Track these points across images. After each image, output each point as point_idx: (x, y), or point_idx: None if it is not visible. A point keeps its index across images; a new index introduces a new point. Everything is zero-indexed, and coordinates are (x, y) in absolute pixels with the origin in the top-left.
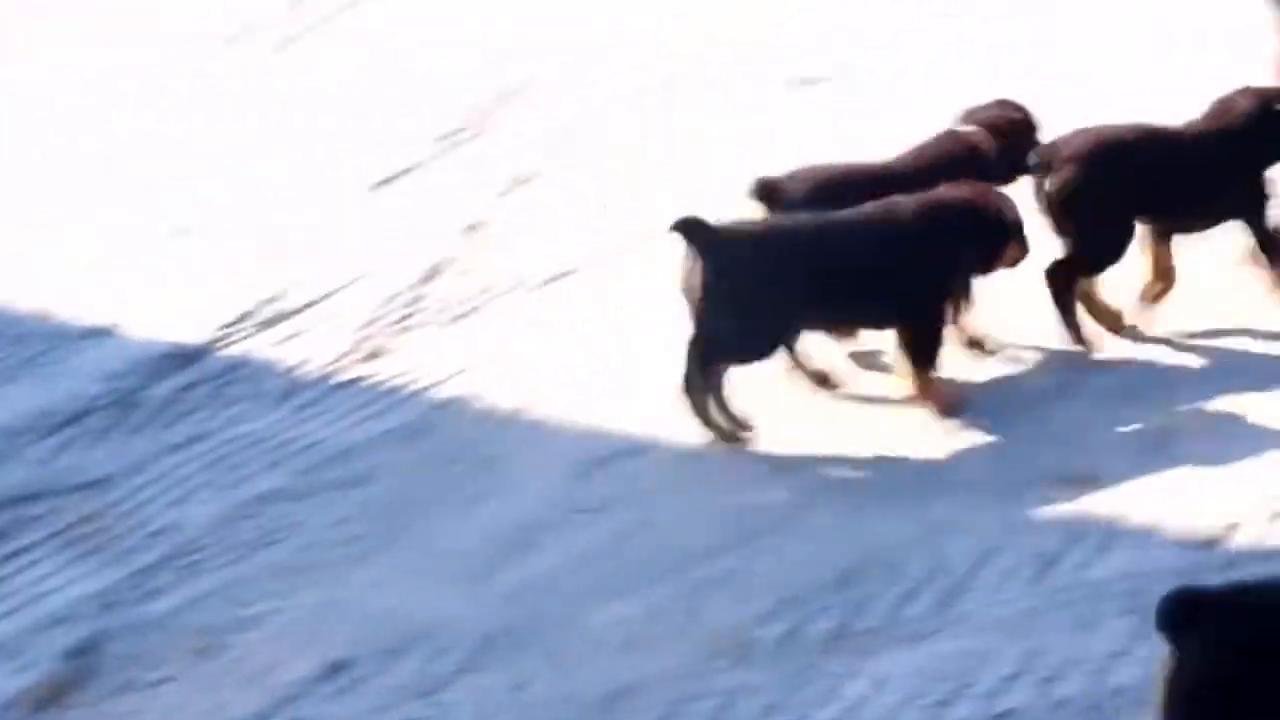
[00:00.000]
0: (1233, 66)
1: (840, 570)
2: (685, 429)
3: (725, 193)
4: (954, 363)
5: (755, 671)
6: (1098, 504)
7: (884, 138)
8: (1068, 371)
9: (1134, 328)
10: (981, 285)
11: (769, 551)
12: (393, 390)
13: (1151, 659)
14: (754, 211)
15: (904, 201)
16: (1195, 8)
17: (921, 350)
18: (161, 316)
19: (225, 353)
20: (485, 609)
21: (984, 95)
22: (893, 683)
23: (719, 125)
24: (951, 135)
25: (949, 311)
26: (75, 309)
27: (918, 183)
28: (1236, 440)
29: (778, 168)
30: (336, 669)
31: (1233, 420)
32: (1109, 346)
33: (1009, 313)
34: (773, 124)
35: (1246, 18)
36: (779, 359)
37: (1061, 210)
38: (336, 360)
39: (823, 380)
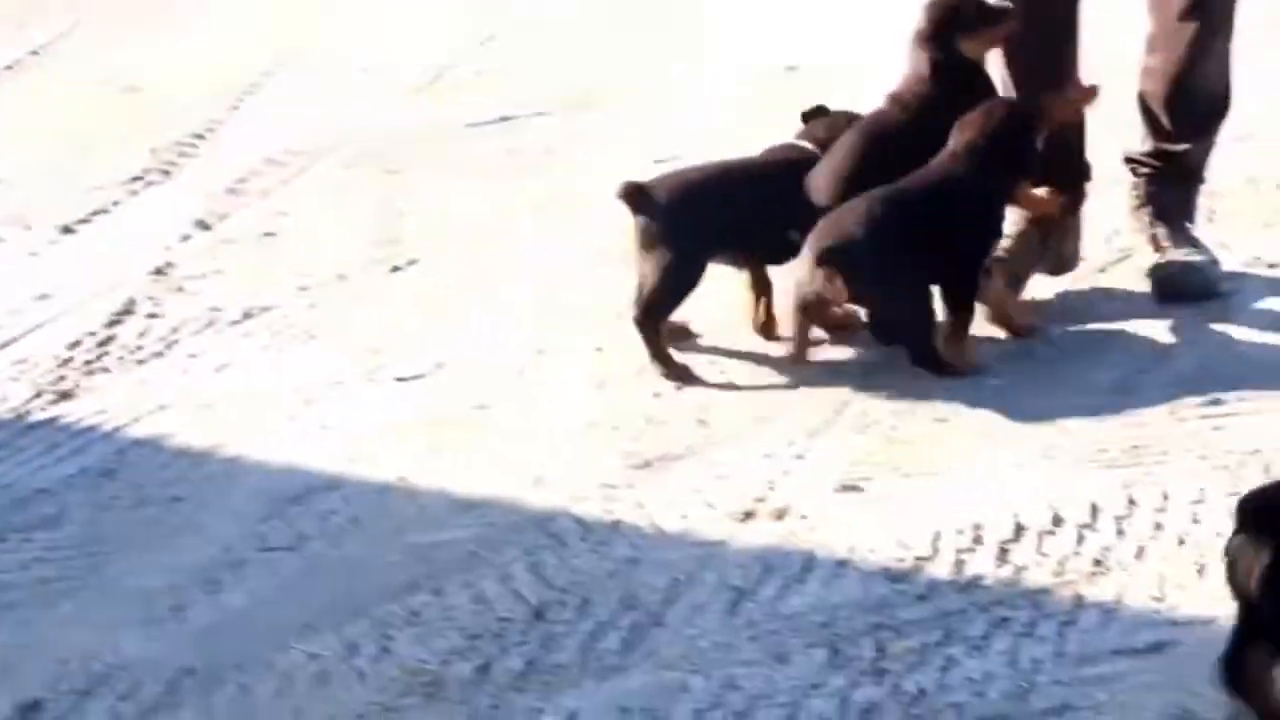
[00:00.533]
0: None
1: (530, 606)
2: (376, 466)
3: None
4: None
5: (446, 708)
6: (790, 537)
7: None
8: (769, 401)
9: None
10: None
11: (460, 588)
12: (83, 431)
13: (841, 692)
14: None
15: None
16: None
17: None
18: None
19: None
20: (176, 648)
21: None
22: (584, 716)
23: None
24: (792, 147)
25: None
26: None
27: None
28: (929, 473)
29: None
30: (29, 710)
31: (925, 451)
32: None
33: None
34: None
35: None
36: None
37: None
38: (27, 402)
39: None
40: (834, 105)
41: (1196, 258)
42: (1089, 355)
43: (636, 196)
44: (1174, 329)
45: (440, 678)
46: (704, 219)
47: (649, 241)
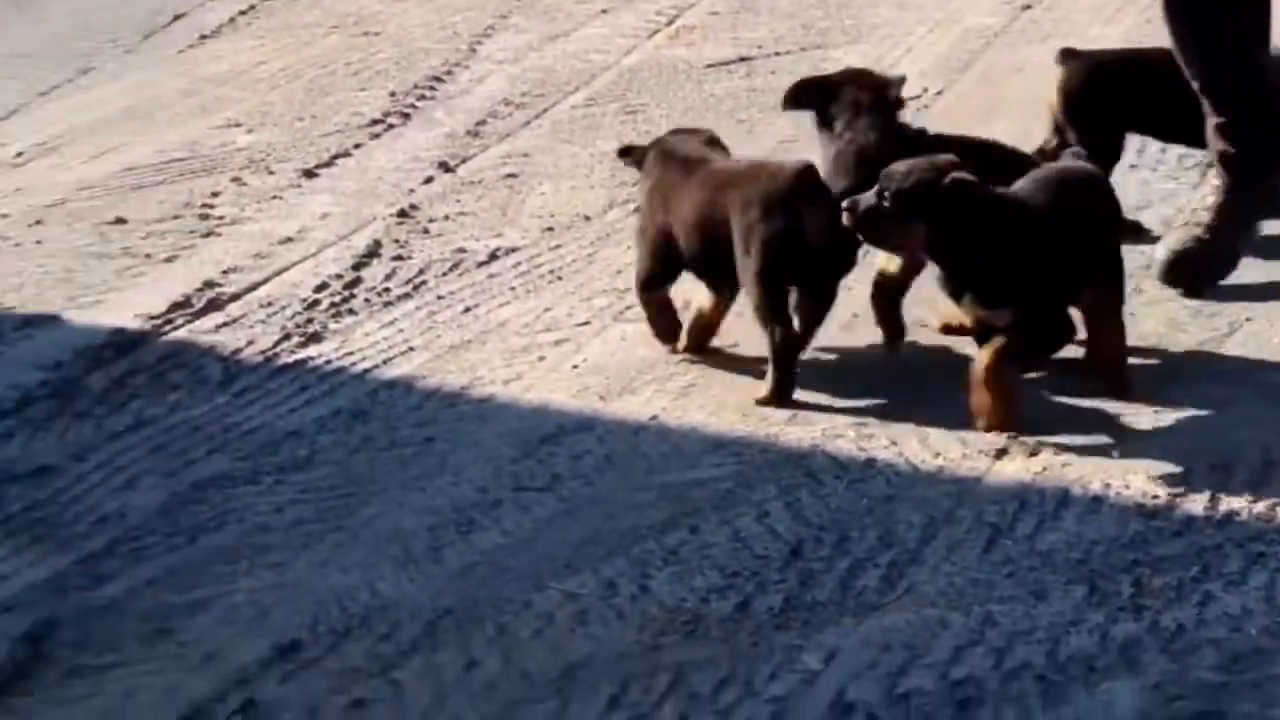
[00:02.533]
0: None
1: (788, 544)
2: (628, 405)
3: None
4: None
5: (706, 646)
6: (1044, 474)
7: None
8: None
9: None
10: None
11: (717, 526)
12: (332, 374)
13: (1100, 627)
14: None
15: None
16: None
17: None
18: (100, 305)
19: (164, 340)
20: (434, 589)
21: None
22: (844, 654)
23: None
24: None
25: None
26: (13, 299)
27: None
28: (1180, 406)
29: None
30: (287, 651)
31: (1175, 387)
32: None
33: None
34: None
35: None
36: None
37: None
38: (275, 345)
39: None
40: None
41: None
42: None
43: None
44: None
45: (700, 616)
46: None
47: None
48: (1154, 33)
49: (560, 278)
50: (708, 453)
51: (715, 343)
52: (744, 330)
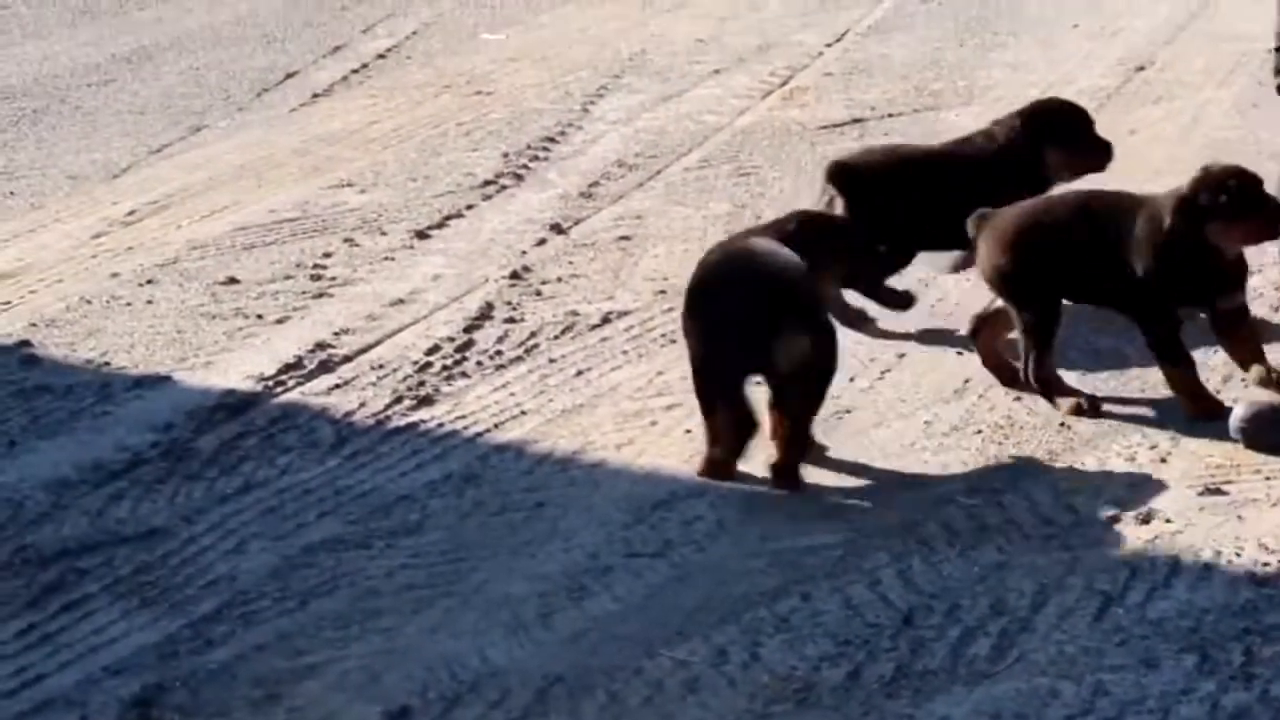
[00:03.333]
0: None
1: (899, 612)
2: (742, 471)
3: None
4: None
5: (818, 714)
6: (1155, 541)
7: None
8: (1127, 404)
9: None
10: None
11: (827, 593)
12: (444, 437)
13: (1211, 697)
14: None
15: None
16: None
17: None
18: (211, 366)
19: (275, 402)
20: (544, 655)
21: None
22: None
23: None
24: None
25: None
26: (124, 360)
27: None
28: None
29: None
30: (398, 717)
31: None
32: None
33: None
34: None
35: None
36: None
37: None
38: (387, 408)
39: None
40: (1179, 106)
41: None
42: None
43: None
44: None
45: (811, 684)
46: None
47: None
48: (1265, 94)
49: (673, 341)
50: (820, 519)
51: None
52: (860, 394)
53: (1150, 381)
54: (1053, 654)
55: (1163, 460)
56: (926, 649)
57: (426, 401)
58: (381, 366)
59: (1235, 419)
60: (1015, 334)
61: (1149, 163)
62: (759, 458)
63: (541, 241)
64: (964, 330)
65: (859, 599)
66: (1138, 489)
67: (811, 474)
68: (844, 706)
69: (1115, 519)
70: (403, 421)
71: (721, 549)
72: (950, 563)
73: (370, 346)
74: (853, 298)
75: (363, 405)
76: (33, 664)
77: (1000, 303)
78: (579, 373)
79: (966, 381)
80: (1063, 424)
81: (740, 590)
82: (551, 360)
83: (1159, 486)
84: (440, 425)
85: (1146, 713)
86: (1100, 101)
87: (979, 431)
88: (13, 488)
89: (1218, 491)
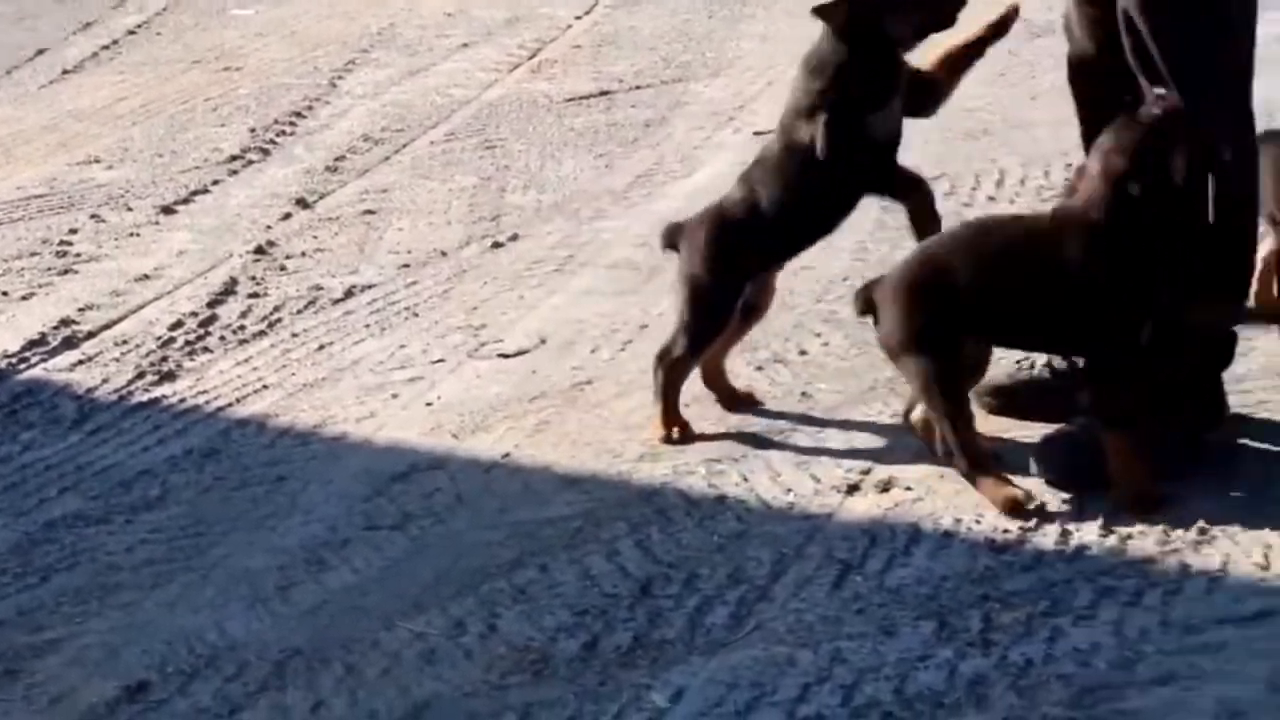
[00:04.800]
0: None
1: (637, 582)
2: (480, 443)
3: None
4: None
5: (553, 685)
6: (895, 510)
7: None
8: (871, 373)
9: None
10: None
11: (565, 564)
12: (185, 412)
13: (949, 663)
14: None
15: None
16: None
17: None
18: None
19: (19, 379)
20: (282, 629)
21: None
22: (691, 693)
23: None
24: None
25: None
26: None
27: None
28: (1033, 442)
29: None
30: (136, 692)
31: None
32: None
33: None
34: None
35: None
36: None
37: None
38: (129, 383)
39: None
40: None
41: None
42: None
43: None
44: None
45: (547, 655)
46: None
47: None
48: (1013, 64)
49: (416, 314)
50: (559, 491)
51: None
52: (601, 365)
53: None
54: (791, 622)
55: (903, 428)
56: (664, 619)
57: (169, 377)
58: (125, 342)
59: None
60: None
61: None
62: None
63: (287, 216)
64: None
65: (597, 569)
66: (879, 457)
67: (551, 445)
68: (580, 677)
69: (856, 487)
70: (145, 397)
71: (460, 521)
72: (689, 532)
73: (114, 322)
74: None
75: (105, 381)
76: None
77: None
78: (321, 347)
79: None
80: (804, 393)
81: (478, 562)
82: (294, 335)
83: (900, 454)
84: (182, 400)
85: (883, 680)
86: None
87: (720, 401)
88: None
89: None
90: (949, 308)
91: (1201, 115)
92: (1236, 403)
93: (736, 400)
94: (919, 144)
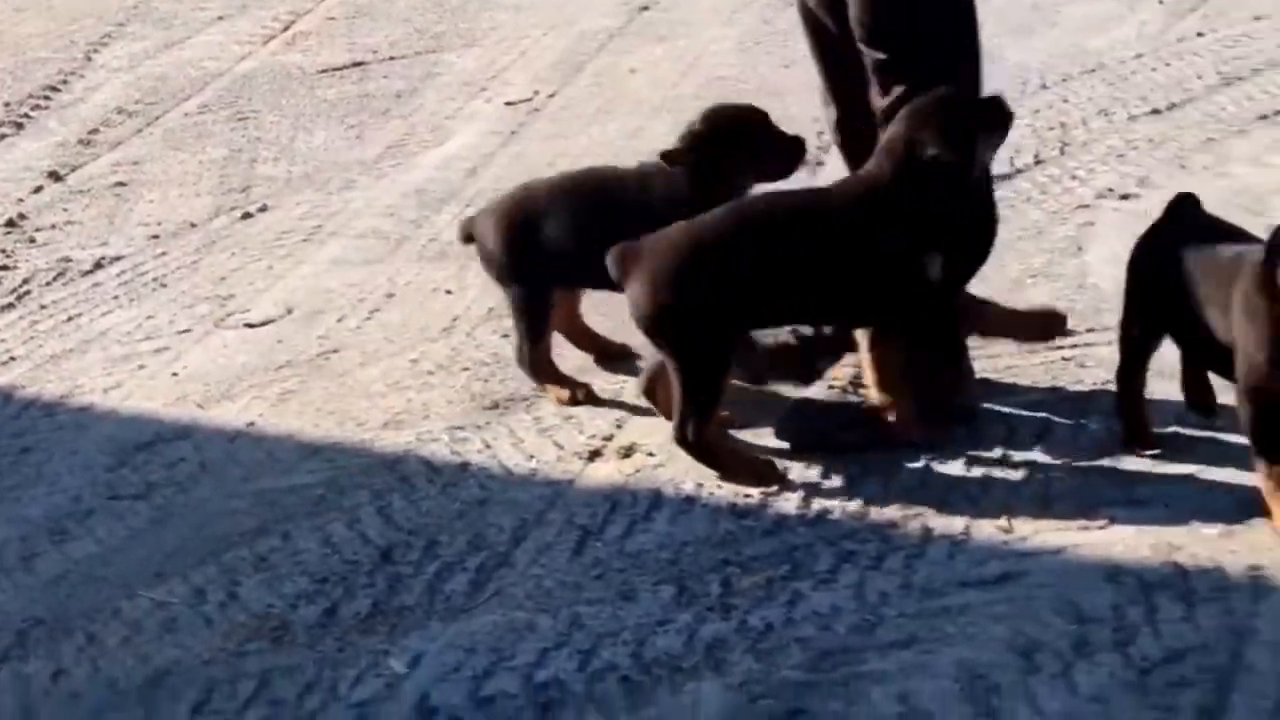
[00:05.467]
0: None
1: (378, 549)
2: (226, 413)
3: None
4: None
5: (292, 652)
6: (637, 476)
7: None
8: (616, 340)
9: None
10: None
11: (308, 533)
12: None
13: (688, 627)
14: None
15: None
16: None
17: None
18: None
19: None
20: (24, 598)
21: None
22: (429, 658)
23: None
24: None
25: None
26: None
27: None
28: (776, 407)
29: None
30: None
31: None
32: None
33: None
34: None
35: None
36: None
37: None
38: None
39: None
40: (682, 45)
41: None
42: None
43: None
44: (1024, 264)
45: (287, 622)
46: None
47: None
48: (768, 32)
49: (164, 285)
50: (303, 459)
51: None
52: (348, 335)
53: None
54: (530, 588)
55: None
56: (404, 585)
57: None
58: None
59: None
60: None
61: (649, 101)
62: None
63: (39, 189)
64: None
65: (338, 537)
66: (621, 423)
67: (295, 414)
68: (319, 644)
69: (598, 453)
70: None
71: (203, 490)
72: (431, 499)
73: None
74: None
75: None
76: None
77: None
78: (70, 318)
79: (455, 320)
80: (624, 345)
81: (221, 530)
82: (42, 306)
83: (642, 420)
84: None
85: (622, 644)
86: (602, 42)
87: (465, 369)
88: None
89: None
90: (722, 289)
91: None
92: (982, 368)
93: (610, 355)
94: (673, 110)
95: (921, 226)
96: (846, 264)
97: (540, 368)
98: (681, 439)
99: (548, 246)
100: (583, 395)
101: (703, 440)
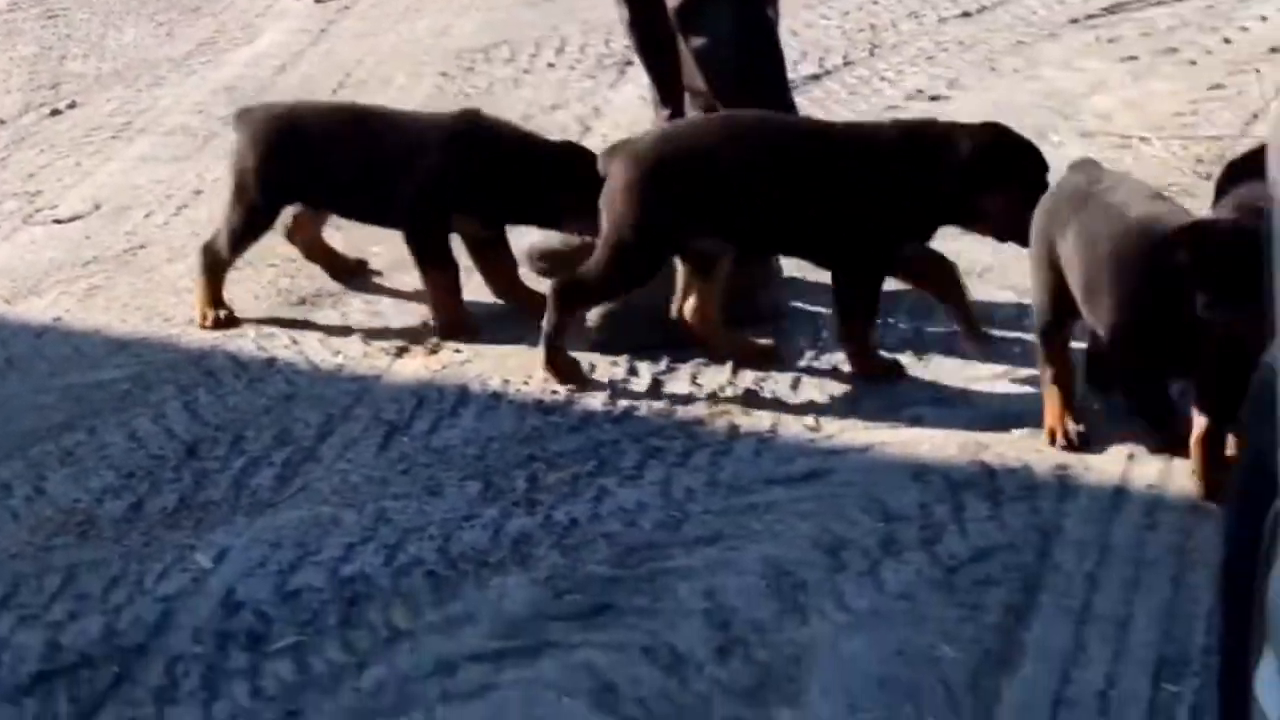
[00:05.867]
0: None
1: (184, 444)
2: (33, 308)
3: None
4: None
5: (98, 547)
6: (444, 372)
7: None
8: None
9: None
10: None
11: (114, 427)
12: None
13: (494, 523)
14: None
15: None
16: None
17: None
18: None
19: None
20: None
21: None
22: (235, 553)
23: None
24: None
25: None
26: None
27: None
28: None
29: None
30: None
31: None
32: None
33: None
34: None
35: None
36: None
37: None
38: None
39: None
40: None
41: None
42: None
43: None
44: None
45: (93, 517)
46: None
47: None
48: None
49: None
50: (109, 354)
51: None
52: (156, 231)
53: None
54: (336, 483)
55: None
56: (210, 480)
57: None
58: None
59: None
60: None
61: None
62: None
63: None
64: None
65: (144, 432)
66: (429, 322)
67: (102, 310)
68: (125, 538)
69: (404, 350)
70: None
71: (10, 385)
72: (237, 394)
73: None
74: None
75: None
76: None
77: None
78: None
79: None
80: (358, 259)
81: (27, 425)
82: None
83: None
84: None
85: (428, 539)
86: None
87: (273, 265)
88: None
89: (513, 324)
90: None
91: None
92: (791, 267)
93: (348, 270)
94: (482, 9)
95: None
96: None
97: (217, 270)
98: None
99: (302, 168)
100: (225, 317)
101: (557, 342)
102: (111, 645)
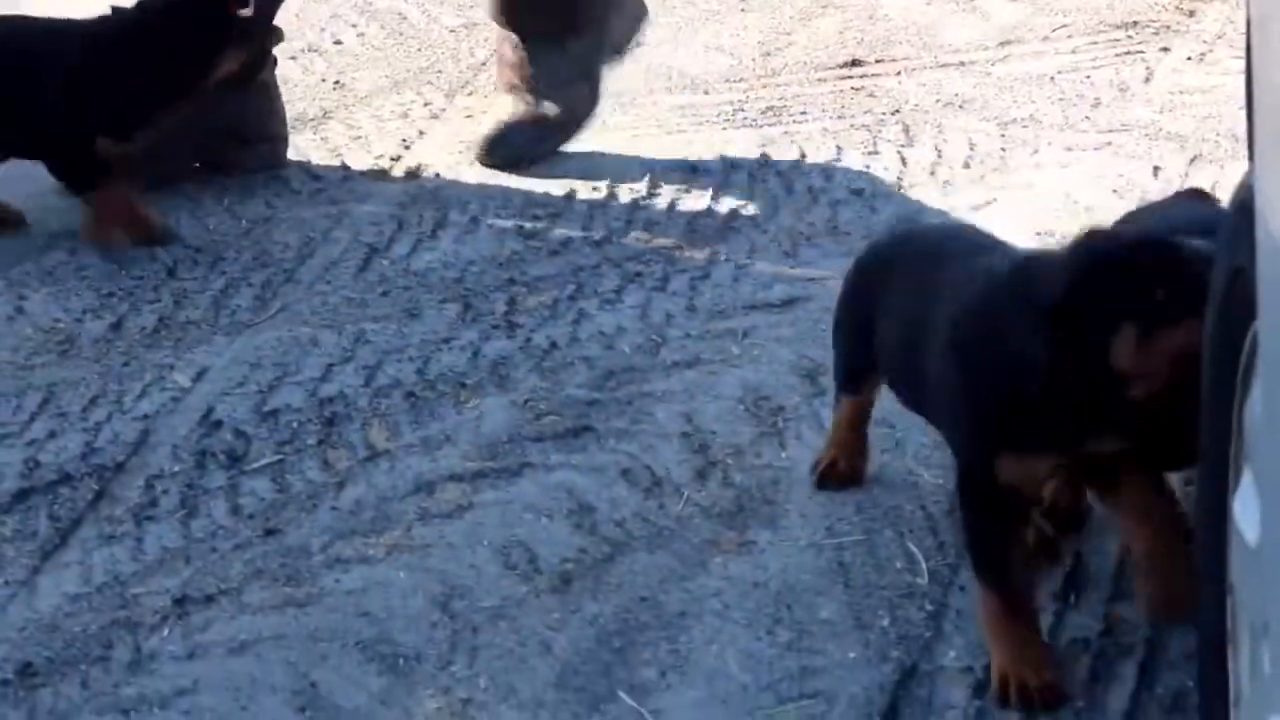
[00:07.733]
0: None
1: (164, 265)
2: None
3: None
4: None
5: (79, 364)
6: (423, 195)
7: None
8: (405, 65)
9: None
10: None
11: (91, 249)
12: None
13: (473, 345)
14: None
15: None
16: None
17: None
18: None
19: None
20: None
21: None
22: (214, 372)
23: None
24: None
25: None
26: None
27: None
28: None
29: None
30: None
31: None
32: None
33: None
34: None
35: None
36: None
37: None
38: None
39: None
40: None
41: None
42: (730, 17)
43: None
44: None
45: (73, 336)
46: None
47: None
48: None
49: None
50: None
51: None
52: None
53: (429, 44)
54: (315, 305)
55: (434, 117)
56: (190, 300)
57: None
58: None
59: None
60: None
61: None
62: None
63: None
64: None
65: (124, 252)
66: (410, 144)
67: None
68: (105, 357)
69: (385, 173)
70: None
71: None
72: (216, 217)
73: None
74: None
75: None
76: None
77: None
78: None
79: None
80: (338, 82)
81: (7, 245)
82: None
83: (429, 142)
84: None
85: (407, 360)
86: None
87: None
88: None
89: None
90: None
91: None
92: (769, 96)
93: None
94: None
95: None
96: None
97: None
98: None
99: None
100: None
101: None
102: (91, 463)
